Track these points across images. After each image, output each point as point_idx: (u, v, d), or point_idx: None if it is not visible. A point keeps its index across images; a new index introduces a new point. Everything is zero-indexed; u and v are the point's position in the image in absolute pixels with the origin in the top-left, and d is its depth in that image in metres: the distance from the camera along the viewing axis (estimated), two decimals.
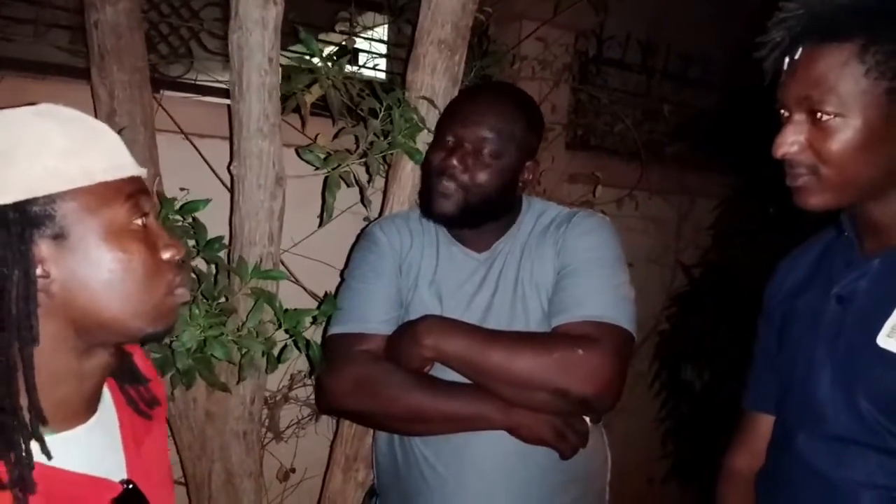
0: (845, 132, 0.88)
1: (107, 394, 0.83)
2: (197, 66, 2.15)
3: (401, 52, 2.33)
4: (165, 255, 0.77)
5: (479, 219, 1.33)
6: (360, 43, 2.36)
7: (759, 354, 1.16)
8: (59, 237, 0.69)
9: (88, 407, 0.78)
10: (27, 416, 0.69)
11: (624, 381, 1.23)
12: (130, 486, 0.79)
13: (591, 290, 1.24)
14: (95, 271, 0.71)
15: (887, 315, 0.90)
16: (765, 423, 1.13)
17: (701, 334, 3.04)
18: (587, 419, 1.29)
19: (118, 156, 0.76)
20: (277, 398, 2.01)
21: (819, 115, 0.89)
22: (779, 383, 1.07)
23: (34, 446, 0.69)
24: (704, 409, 2.99)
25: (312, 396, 2.08)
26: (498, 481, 1.25)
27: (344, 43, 1.87)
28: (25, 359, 0.69)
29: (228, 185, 1.63)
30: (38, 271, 0.69)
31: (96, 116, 1.56)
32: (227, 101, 1.87)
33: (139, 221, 0.75)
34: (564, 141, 2.67)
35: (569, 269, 1.27)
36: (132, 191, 0.75)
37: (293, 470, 2.08)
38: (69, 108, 0.77)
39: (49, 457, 0.70)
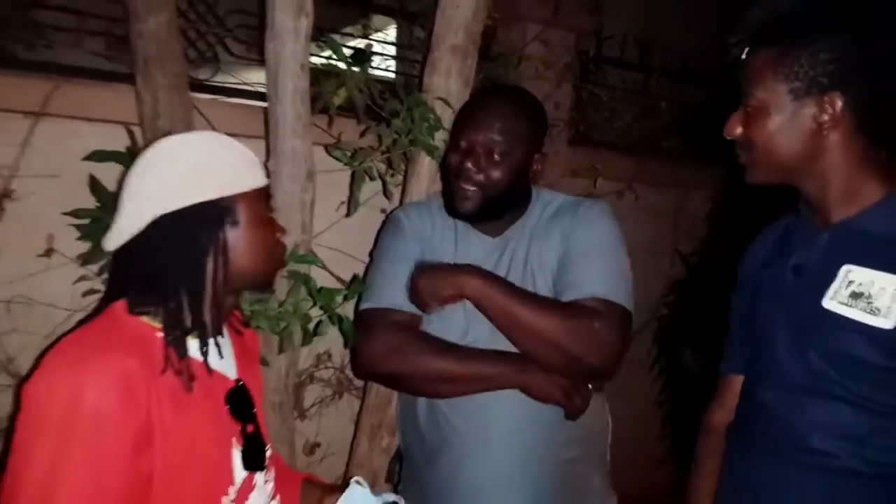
0: (763, 121, 1.09)
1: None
2: (223, 69, 2.30)
3: (411, 53, 2.49)
4: (279, 236, 1.15)
5: (498, 211, 1.48)
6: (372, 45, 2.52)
7: (733, 322, 1.32)
8: (235, 223, 1.05)
9: (220, 329, 1.13)
10: (203, 331, 1.05)
11: (624, 355, 1.39)
12: (241, 382, 1.13)
13: (599, 271, 1.40)
14: (249, 244, 1.07)
15: (831, 281, 1.06)
16: (737, 383, 1.29)
17: (698, 320, 3.18)
18: (590, 386, 1.45)
19: (260, 169, 1.11)
20: (303, 378, 2.17)
21: (748, 106, 1.10)
22: (749, 346, 1.23)
23: (195, 349, 1.05)
24: (701, 391, 3.13)
25: (335, 377, 2.24)
26: (511, 437, 1.41)
27: (363, 47, 2.02)
28: (211, 296, 1.06)
29: None
30: (222, 243, 1.05)
31: (141, 119, 1.73)
32: (252, 102, 2.05)
33: (270, 214, 1.13)
34: (567, 137, 2.82)
35: (577, 251, 1.42)
36: (267, 194, 1.13)
37: (318, 444, 2.24)
38: (227, 137, 1.11)
39: (205, 357, 1.06)
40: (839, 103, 1.05)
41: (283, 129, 1.57)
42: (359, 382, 2.18)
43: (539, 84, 2.50)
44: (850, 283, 1.04)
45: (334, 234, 1.96)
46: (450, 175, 1.49)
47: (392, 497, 1.18)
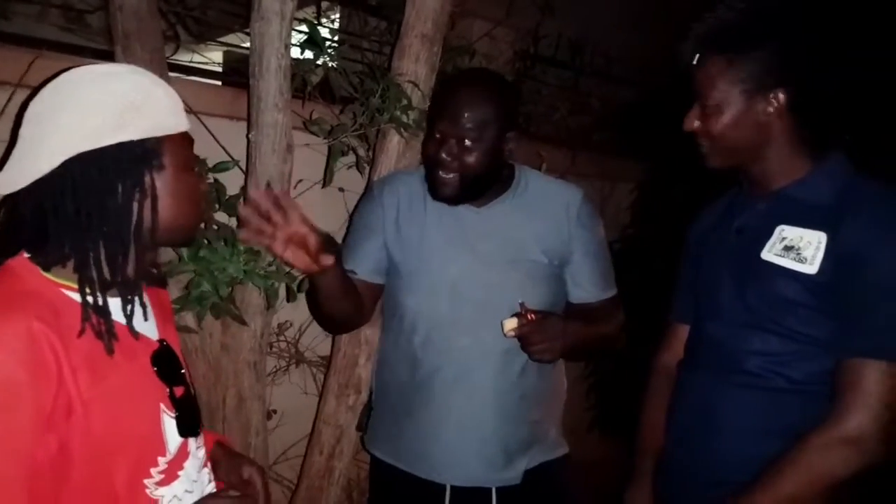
0: (719, 116, 1.30)
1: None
2: (183, 48, 2.36)
3: (355, 40, 2.61)
4: (202, 187, 1.09)
5: (478, 191, 1.60)
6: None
7: (680, 279, 1.55)
8: (161, 167, 0.98)
9: (141, 286, 1.05)
10: (127, 287, 0.98)
11: None
12: (164, 343, 1.07)
13: (608, 271, 1.73)
14: (175, 191, 1.00)
15: (768, 238, 1.29)
16: (682, 331, 1.52)
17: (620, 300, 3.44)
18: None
19: (182, 111, 1.03)
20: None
21: (704, 105, 1.31)
22: (695, 296, 1.45)
23: (114, 308, 0.97)
24: (623, 366, 3.41)
25: (290, 350, 2.34)
26: (486, 404, 1.59)
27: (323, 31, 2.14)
28: (135, 247, 0.98)
29: (229, 155, 1.87)
30: (147, 188, 0.97)
31: None
32: (210, 81, 2.12)
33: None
34: None
35: (586, 250, 1.67)
36: (191, 139, 1.04)
37: (275, 411, 2.33)
38: (151, 73, 1.02)
39: (130, 317, 0.99)
40: (783, 97, 1.27)
41: (266, 103, 1.67)
42: (311, 356, 2.29)
43: None
44: (783, 238, 1.28)
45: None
46: (429, 164, 1.59)
47: None
